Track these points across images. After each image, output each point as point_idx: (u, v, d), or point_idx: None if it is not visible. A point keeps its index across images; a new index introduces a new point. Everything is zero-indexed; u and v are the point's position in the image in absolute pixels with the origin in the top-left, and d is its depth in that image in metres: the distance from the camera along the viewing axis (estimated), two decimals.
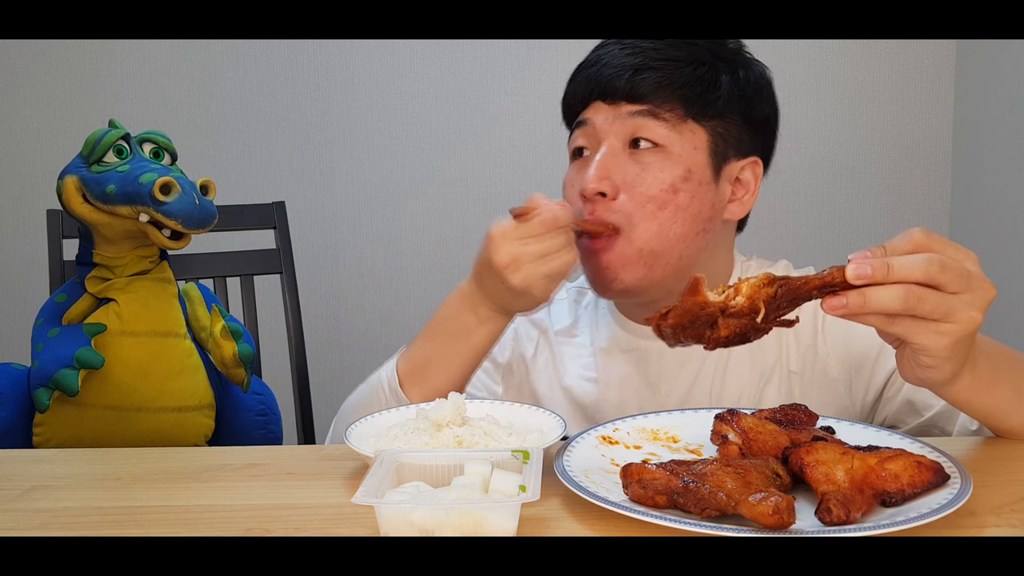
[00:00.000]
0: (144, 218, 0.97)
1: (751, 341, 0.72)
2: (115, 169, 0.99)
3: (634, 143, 0.99)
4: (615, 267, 0.99)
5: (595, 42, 1.07)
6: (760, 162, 1.05)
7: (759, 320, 0.70)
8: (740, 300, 0.70)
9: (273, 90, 2.33)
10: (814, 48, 2.28)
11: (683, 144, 0.98)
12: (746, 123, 1.02)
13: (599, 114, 1.01)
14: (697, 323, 0.71)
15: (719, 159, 1.01)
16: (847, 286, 0.68)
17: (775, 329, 1.00)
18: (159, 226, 0.98)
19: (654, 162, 0.98)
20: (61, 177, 1.01)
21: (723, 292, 0.70)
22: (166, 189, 0.95)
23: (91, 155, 1.00)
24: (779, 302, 0.70)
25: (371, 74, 2.33)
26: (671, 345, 0.74)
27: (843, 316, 0.68)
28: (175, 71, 2.32)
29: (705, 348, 0.73)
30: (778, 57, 2.23)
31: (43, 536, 0.69)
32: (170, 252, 1.08)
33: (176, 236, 0.99)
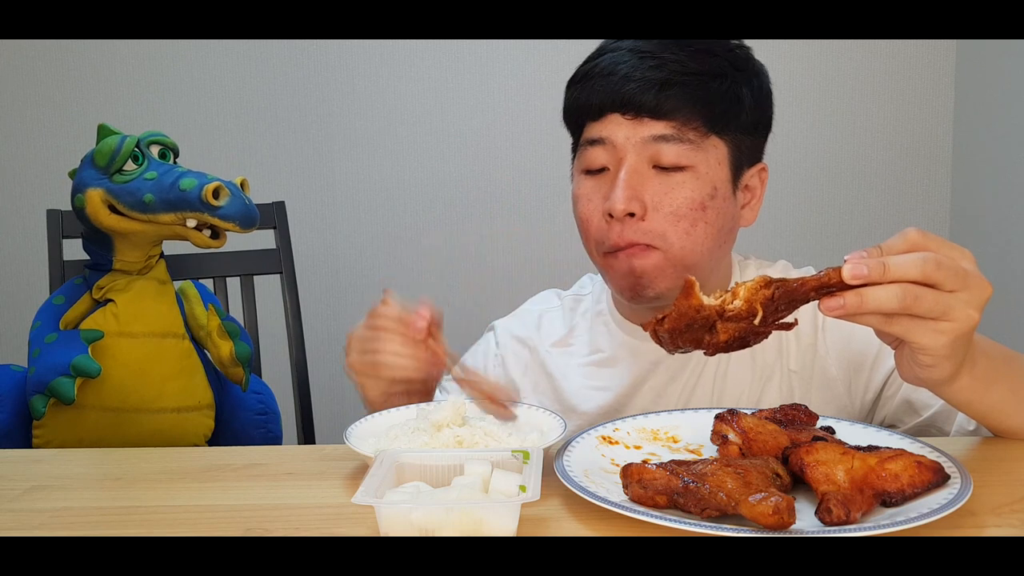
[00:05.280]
0: (191, 223, 0.98)
1: (751, 345, 0.72)
2: (141, 177, 0.98)
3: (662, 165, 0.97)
4: (650, 275, 0.98)
5: (594, 42, 1.06)
6: (767, 167, 1.04)
7: (757, 323, 0.70)
8: (738, 303, 0.69)
9: (273, 90, 2.33)
10: (814, 48, 2.28)
11: (708, 161, 0.97)
12: (759, 131, 1.02)
13: (619, 130, 0.97)
14: (694, 327, 0.71)
15: (737, 171, 1.00)
16: (844, 286, 0.67)
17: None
18: (200, 227, 0.99)
19: (682, 181, 0.96)
20: (81, 191, 1.00)
21: (720, 296, 0.70)
22: (217, 194, 0.96)
23: (111, 166, 0.99)
24: (776, 304, 0.70)
25: (371, 74, 2.33)
26: (670, 351, 0.73)
27: (840, 317, 0.68)
28: (175, 71, 2.32)
29: (705, 353, 0.72)
30: (778, 57, 2.24)
31: (43, 536, 0.69)
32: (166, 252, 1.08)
33: (215, 235, 1.01)
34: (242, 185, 1.00)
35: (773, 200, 2.33)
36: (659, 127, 0.95)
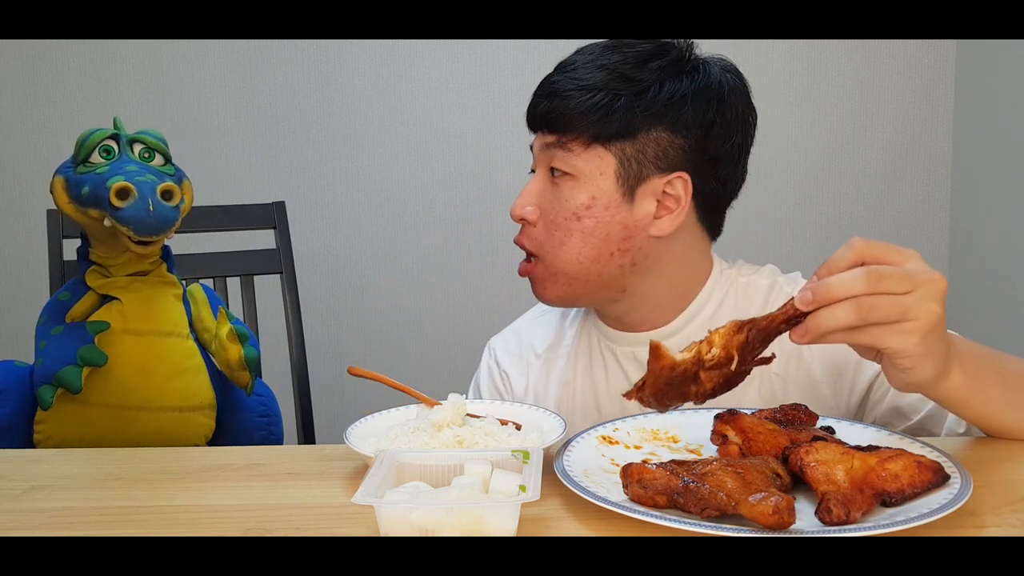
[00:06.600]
0: (108, 223, 0.96)
1: (735, 386, 0.75)
2: (95, 171, 0.98)
3: (553, 171, 1.02)
4: (537, 284, 1.05)
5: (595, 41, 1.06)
6: (686, 176, 1.00)
7: (733, 368, 0.73)
8: (716, 351, 0.72)
9: (273, 90, 2.33)
10: (815, 48, 2.27)
11: (589, 171, 0.99)
12: (675, 137, 0.99)
13: (536, 142, 1.05)
14: (676, 384, 0.73)
15: (631, 180, 0.99)
16: (806, 314, 0.70)
17: None
18: None
19: (564, 190, 1.01)
20: (54, 175, 1.02)
21: (693, 348, 0.72)
22: (123, 194, 0.93)
23: (78, 155, 1.00)
24: (752, 345, 0.73)
25: (371, 74, 2.33)
26: (661, 411, 0.76)
27: (810, 342, 0.71)
28: (175, 71, 2.32)
29: (695, 404, 0.75)
30: (778, 57, 2.25)
31: (43, 536, 0.69)
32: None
33: (142, 241, 0.98)
34: (167, 192, 0.95)
35: (772, 200, 2.33)
36: (550, 137, 1.02)
